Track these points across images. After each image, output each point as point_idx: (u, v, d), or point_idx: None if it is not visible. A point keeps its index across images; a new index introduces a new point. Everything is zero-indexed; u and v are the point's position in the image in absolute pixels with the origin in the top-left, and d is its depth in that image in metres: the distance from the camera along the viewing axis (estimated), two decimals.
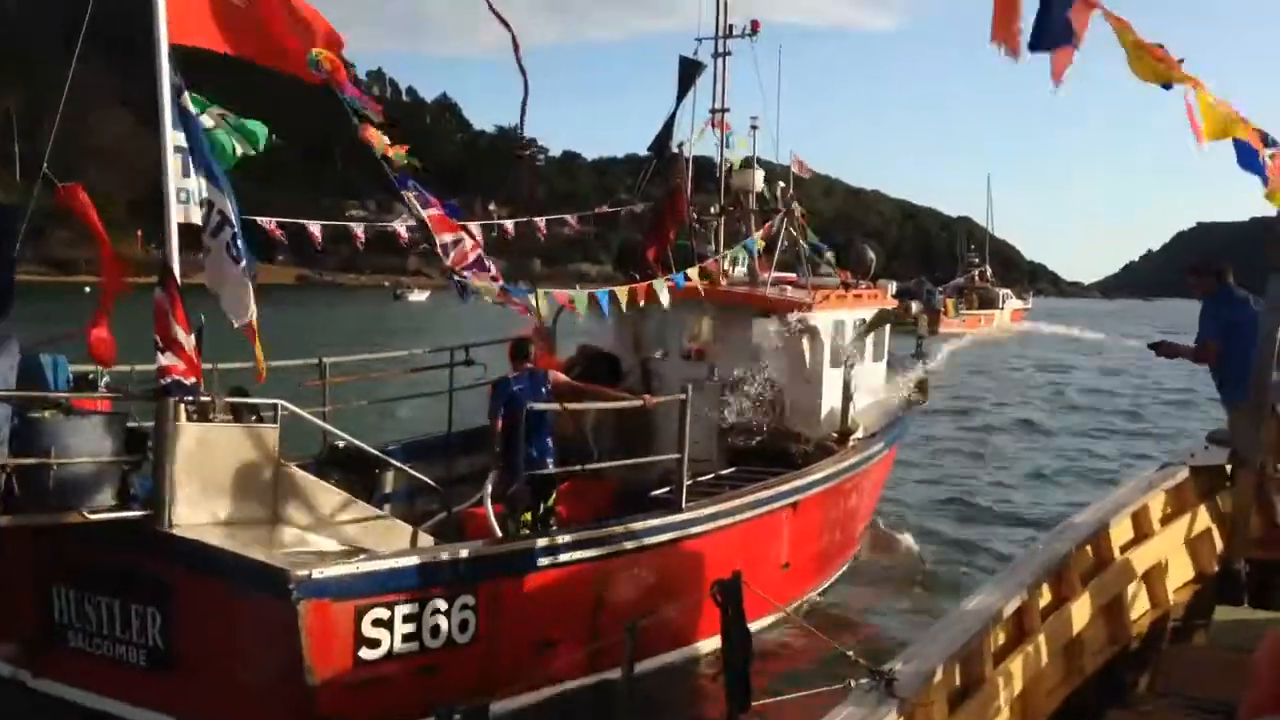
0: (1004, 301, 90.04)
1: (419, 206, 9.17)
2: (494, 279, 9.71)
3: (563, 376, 11.07)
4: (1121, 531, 8.59)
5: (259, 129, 10.01)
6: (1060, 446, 27.09)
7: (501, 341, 14.42)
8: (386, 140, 9.14)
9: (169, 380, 7.95)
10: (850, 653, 6.32)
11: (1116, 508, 8.63)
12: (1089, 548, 8.22)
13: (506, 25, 9.10)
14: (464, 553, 8.62)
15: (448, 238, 9.28)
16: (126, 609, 8.10)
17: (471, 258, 9.39)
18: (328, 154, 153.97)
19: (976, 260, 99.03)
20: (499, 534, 9.48)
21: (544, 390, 10.40)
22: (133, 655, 8.13)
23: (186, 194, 8.63)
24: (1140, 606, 8.36)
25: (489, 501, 10.15)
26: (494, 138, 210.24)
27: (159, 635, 8.02)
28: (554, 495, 10.38)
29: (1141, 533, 8.67)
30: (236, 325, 8.89)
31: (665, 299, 12.21)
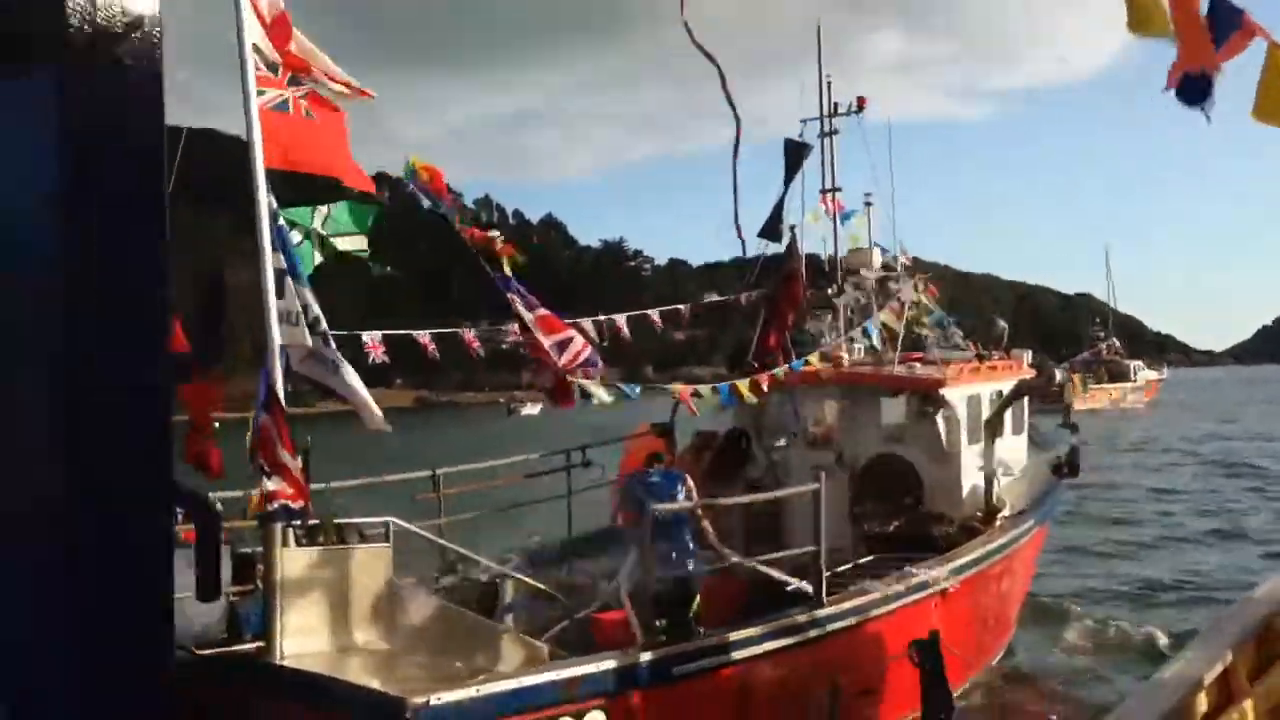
0: (1136, 374, 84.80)
1: (524, 309, 8.80)
2: (602, 378, 9.29)
3: (693, 488, 10.49)
4: None
5: (369, 209, 9.76)
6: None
7: (618, 441, 13.99)
8: (495, 235, 8.88)
9: (275, 506, 7.60)
10: (1054, 718, 5.83)
11: None
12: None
13: (711, 58, 8.93)
14: (591, 667, 7.98)
15: (557, 338, 8.86)
16: None
17: (584, 356, 8.95)
18: (445, 281, 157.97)
19: (1102, 334, 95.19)
20: (639, 636, 8.66)
21: (680, 489, 9.86)
22: None
23: (290, 314, 8.34)
24: None
25: (626, 601, 9.54)
26: (599, 253, 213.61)
27: None
28: (697, 599, 9.74)
29: None
30: (372, 428, 8.52)
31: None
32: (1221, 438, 49.26)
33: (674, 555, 9.42)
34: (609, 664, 8.04)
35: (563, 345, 8.98)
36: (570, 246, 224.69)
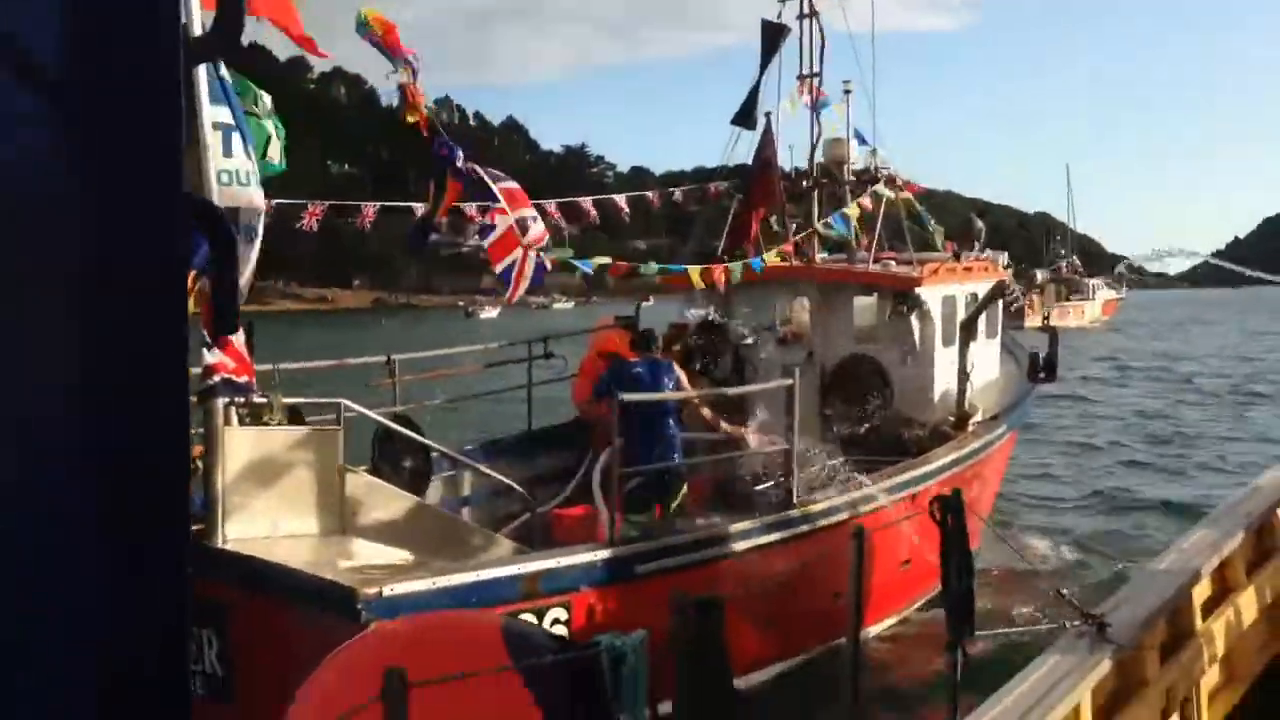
0: (1094, 292, 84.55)
1: (488, 179, 8.19)
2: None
3: (684, 377, 10.04)
4: None
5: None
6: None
7: (582, 332, 13.51)
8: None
9: (217, 379, 7.04)
10: (1066, 592, 6.10)
11: None
12: None
13: None
14: (552, 562, 7.59)
15: (526, 213, 8.28)
16: None
17: (545, 242, 8.41)
18: (401, 177, 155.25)
19: (1063, 252, 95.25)
20: (605, 532, 8.30)
21: (668, 380, 9.49)
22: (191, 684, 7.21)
23: (229, 175, 7.67)
24: None
25: (599, 495, 9.15)
26: (562, 157, 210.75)
27: (216, 661, 7.09)
28: (682, 492, 9.42)
29: None
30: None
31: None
32: (1185, 357, 49.40)
33: (655, 449, 9.07)
34: (572, 560, 7.66)
35: (531, 221, 8.40)
36: (532, 151, 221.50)
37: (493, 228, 8.31)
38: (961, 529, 5.04)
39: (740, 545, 8.64)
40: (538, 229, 8.52)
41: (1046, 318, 12.55)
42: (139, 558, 1.47)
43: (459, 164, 8.34)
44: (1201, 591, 6.73)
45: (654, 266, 10.49)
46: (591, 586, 7.63)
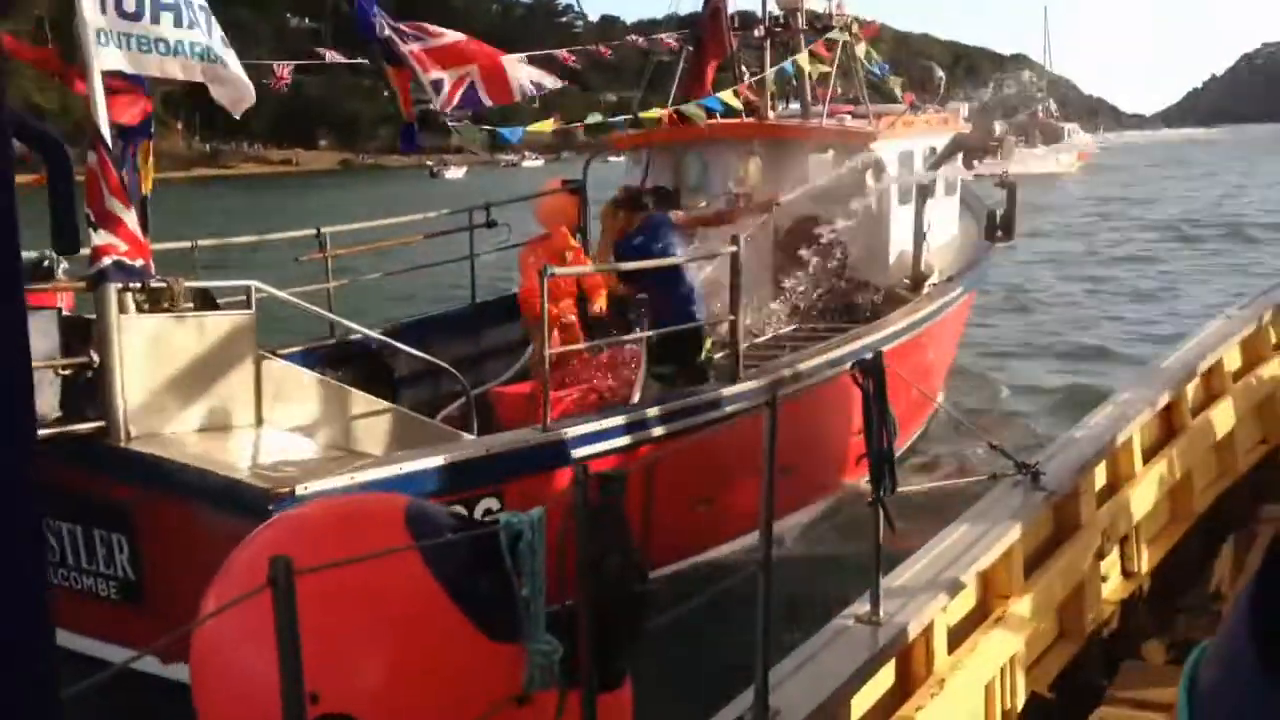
0: (1069, 136, 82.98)
1: (399, 36, 7.55)
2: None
3: (682, 214, 9.60)
4: (1277, 328, 8.53)
5: None
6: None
7: (525, 199, 12.93)
8: None
9: (107, 263, 6.55)
10: (996, 443, 6.24)
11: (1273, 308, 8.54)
12: (1238, 347, 8.08)
13: None
14: (479, 449, 7.24)
15: (448, 72, 7.65)
16: (90, 536, 6.88)
17: (463, 95, 7.78)
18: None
19: (1040, 95, 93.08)
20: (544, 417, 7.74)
21: (671, 237, 9.14)
22: (103, 587, 6.94)
23: (105, 35, 7.00)
24: None
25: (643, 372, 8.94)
26: (529, 7, 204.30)
27: (128, 564, 6.81)
28: (708, 342, 9.15)
29: None
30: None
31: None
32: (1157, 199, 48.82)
33: (675, 307, 8.89)
34: (500, 446, 7.31)
35: (453, 81, 7.77)
36: (499, 1, 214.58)
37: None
38: (882, 391, 4.95)
39: (678, 425, 8.31)
40: (452, 84, 7.91)
41: (1004, 173, 12.02)
42: None
43: (380, 34, 7.69)
44: (1146, 435, 6.80)
45: (595, 118, 9.86)
46: (525, 475, 7.31)
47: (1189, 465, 7.10)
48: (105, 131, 6.73)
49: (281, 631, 2.45)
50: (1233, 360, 7.93)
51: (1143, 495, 6.54)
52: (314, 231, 10.56)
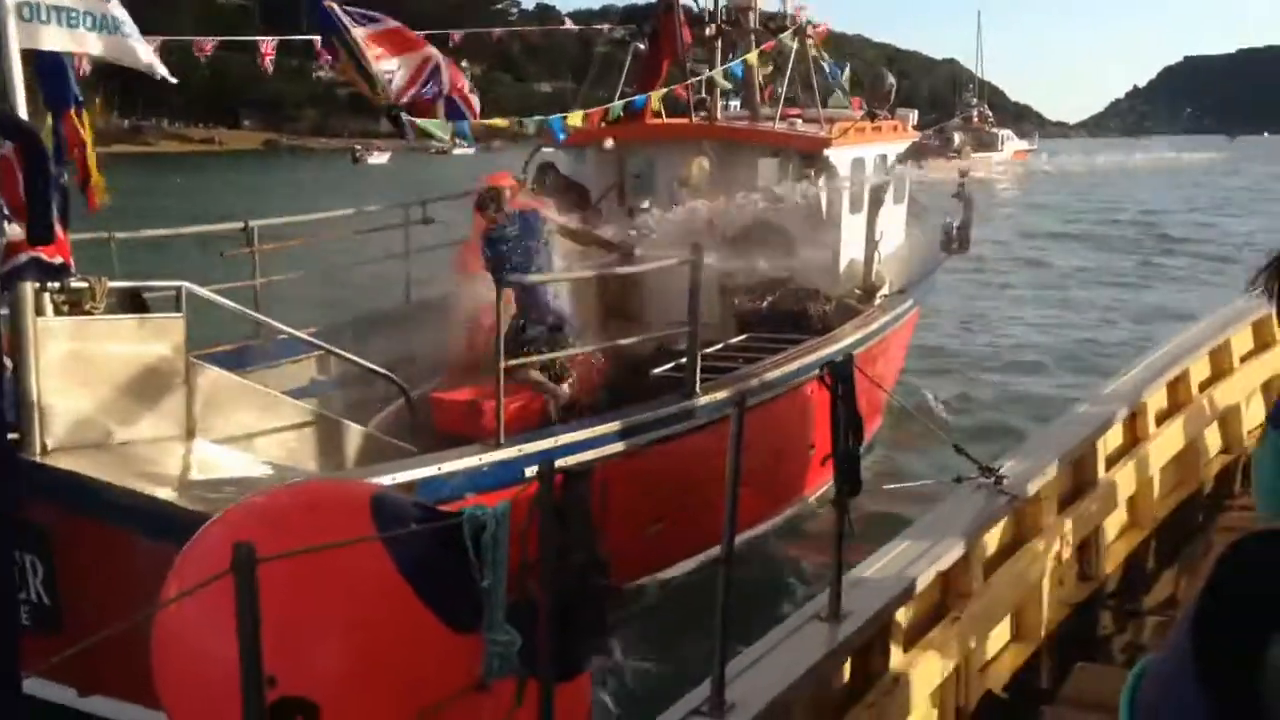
0: (1004, 143, 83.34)
1: (350, 21, 7.11)
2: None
3: (555, 215, 9.19)
4: (1241, 341, 8.58)
5: None
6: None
7: (463, 196, 12.47)
8: None
9: (22, 259, 6.00)
10: (960, 446, 6.23)
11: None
12: (1205, 357, 8.17)
13: None
14: (432, 469, 6.84)
15: (403, 59, 7.22)
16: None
17: (428, 87, 7.36)
18: (293, 13, 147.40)
19: (975, 101, 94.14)
20: (497, 430, 7.40)
21: (542, 227, 8.70)
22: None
23: (31, 9, 6.45)
24: (1256, 417, 8.21)
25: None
26: None
27: (43, 589, 6.27)
28: (565, 352, 8.79)
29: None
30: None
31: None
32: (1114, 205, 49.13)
33: (530, 311, 8.59)
34: (454, 465, 6.92)
35: (414, 72, 7.35)
36: None
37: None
38: (851, 394, 4.94)
39: (637, 440, 8.00)
40: (416, 70, 7.51)
41: (962, 184, 11.88)
42: None
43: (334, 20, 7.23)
44: (1110, 441, 6.88)
45: (531, 122, 9.49)
46: (477, 493, 6.90)
47: (1150, 473, 7.20)
48: (21, 109, 6.19)
49: (242, 617, 2.49)
50: (1199, 370, 8.03)
51: (1104, 501, 6.63)
52: (241, 225, 10.06)
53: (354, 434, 7.65)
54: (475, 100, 9.38)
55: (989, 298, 24.88)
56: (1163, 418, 7.59)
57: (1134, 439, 7.26)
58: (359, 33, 7.29)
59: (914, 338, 14.44)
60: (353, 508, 3.48)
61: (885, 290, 11.92)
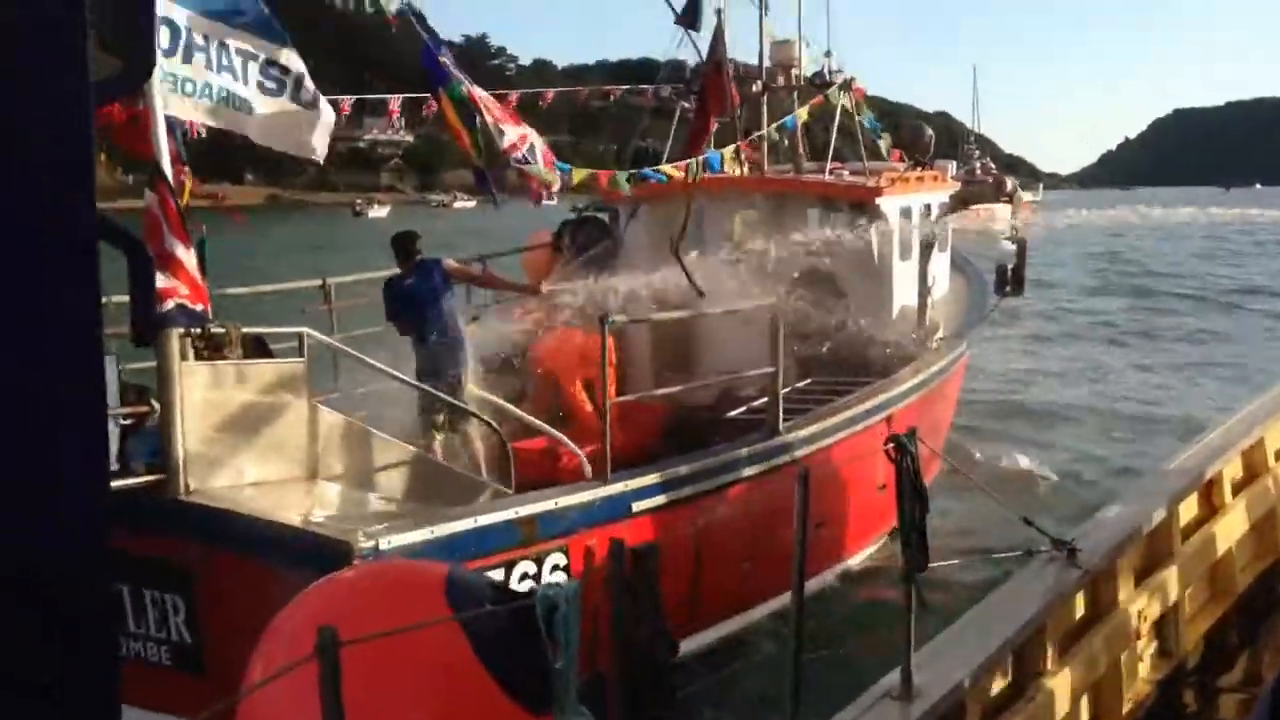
0: (1017, 193, 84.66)
1: (466, 80, 7.49)
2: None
3: (454, 262, 9.51)
4: None
5: None
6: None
7: (521, 251, 12.92)
8: None
9: (170, 306, 6.31)
10: (1031, 519, 6.09)
11: None
12: None
13: None
14: (550, 504, 7.11)
15: (504, 123, 7.62)
16: (139, 596, 6.54)
17: (530, 141, 7.75)
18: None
19: (977, 153, 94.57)
20: (605, 470, 7.62)
21: (438, 279, 8.92)
22: (154, 653, 6.59)
23: (175, 79, 6.83)
24: None
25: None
26: (461, 49, 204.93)
27: (184, 628, 6.48)
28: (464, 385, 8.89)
29: None
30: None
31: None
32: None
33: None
34: (569, 500, 7.21)
35: (518, 139, 7.75)
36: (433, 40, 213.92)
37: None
38: (915, 465, 4.99)
39: (732, 476, 8.28)
40: (512, 135, 7.89)
41: (1015, 228, 12.24)
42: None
43: (447, 72, 7.62)
44: (1185, 512, 6.68)
45: (623, 177, 9.84)
46: (589, 528, 7.19)
47: (1229, 543, 7.02)
48: (166, 167, 6.54)
49: (326, 698, 2.60)
50: (1275, 438, 7.84)
51: (1181, 574, 6.45)
52: (319, 282, 10.46)
53: (455, 475, 7.90)
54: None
55: (1048, 354, 24.59)
56: (1239, 487, 7.40)
57: (1210, 509, 7.09)
58: (477, 91, 7.67)
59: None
60: (428, 588, 3.58)
61: (940, 334, 12.23)
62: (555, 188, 8.12)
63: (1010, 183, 13.06)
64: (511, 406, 8.89)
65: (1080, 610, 5.73)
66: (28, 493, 1.69)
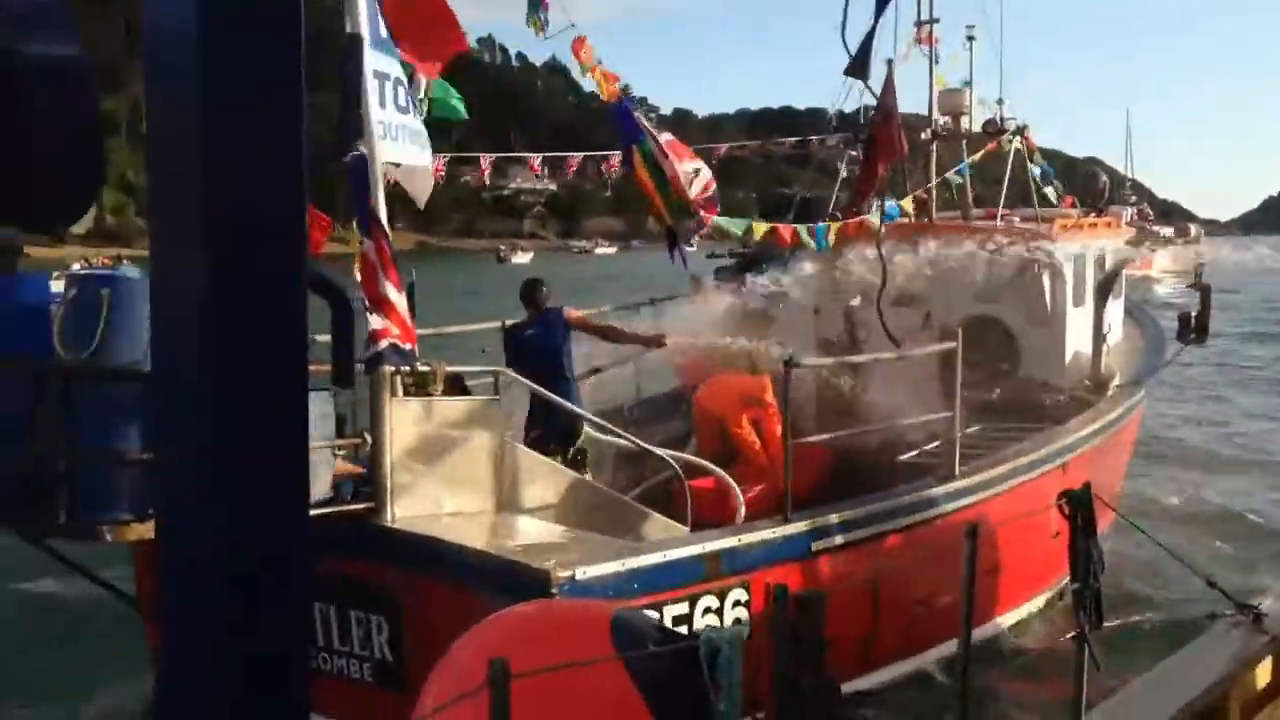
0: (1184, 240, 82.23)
1: (654, 133, 7.78)
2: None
3: (576, 312, 9.60)
4: None
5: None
6: None
7: (683, 295, 13.16)
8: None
9: (383, 345, 6.71)
10: (1214, 580, 5.95)
11: None
12: None
13: None
14: (731, 540, 7.25)
15: (689, 165, 7.86)
16: (345, 616, 6.92)
17: (712, 189, 7.97)
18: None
19: (1134, 199, 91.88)
20: (785, 509, 7.75)
21: (559, 329, 9.06)
22: (357, 670, 6.95)
23: (384, 127, 7.25)
24: None
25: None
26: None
27: (387, 647, 6.82)
28: (582, 435, 8.88)
29: None
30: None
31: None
32: None
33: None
34: (749, 537, 7.34)
35: (692, 175, 7.99)
36: (574, 93, 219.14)
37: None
38: (1090, 523, 4.95)
39: (910, 519, 8.29)
40: (704, 178, 8.15)
41: (1199, 273, 11.95)
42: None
43: (648, 136, 7.95)
44: None
45: (805, 230, 10.03)
46: (769, 565, 7.29)
47: None
48: (384, 219, 6.96)
49: None
50: None
51: None
52: (499, 324, 10.81)
53: (635, 510, 8.09)
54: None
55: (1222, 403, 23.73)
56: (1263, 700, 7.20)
57: None
58: (664, 138, 7.96)
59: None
60: (595, 626, 3.68)
61: (1116, 381, 11.99)
62: (740, 237, 8.32)
63: (1194, 228, 12.70)
64: (659, 448, 8.92)
65: (1267, 679, 5.46)
66: (278, 496, 2.15)
